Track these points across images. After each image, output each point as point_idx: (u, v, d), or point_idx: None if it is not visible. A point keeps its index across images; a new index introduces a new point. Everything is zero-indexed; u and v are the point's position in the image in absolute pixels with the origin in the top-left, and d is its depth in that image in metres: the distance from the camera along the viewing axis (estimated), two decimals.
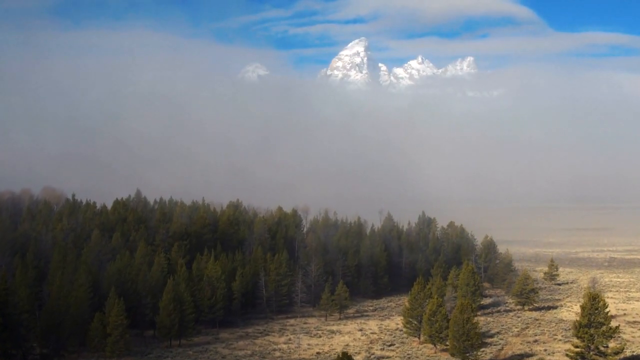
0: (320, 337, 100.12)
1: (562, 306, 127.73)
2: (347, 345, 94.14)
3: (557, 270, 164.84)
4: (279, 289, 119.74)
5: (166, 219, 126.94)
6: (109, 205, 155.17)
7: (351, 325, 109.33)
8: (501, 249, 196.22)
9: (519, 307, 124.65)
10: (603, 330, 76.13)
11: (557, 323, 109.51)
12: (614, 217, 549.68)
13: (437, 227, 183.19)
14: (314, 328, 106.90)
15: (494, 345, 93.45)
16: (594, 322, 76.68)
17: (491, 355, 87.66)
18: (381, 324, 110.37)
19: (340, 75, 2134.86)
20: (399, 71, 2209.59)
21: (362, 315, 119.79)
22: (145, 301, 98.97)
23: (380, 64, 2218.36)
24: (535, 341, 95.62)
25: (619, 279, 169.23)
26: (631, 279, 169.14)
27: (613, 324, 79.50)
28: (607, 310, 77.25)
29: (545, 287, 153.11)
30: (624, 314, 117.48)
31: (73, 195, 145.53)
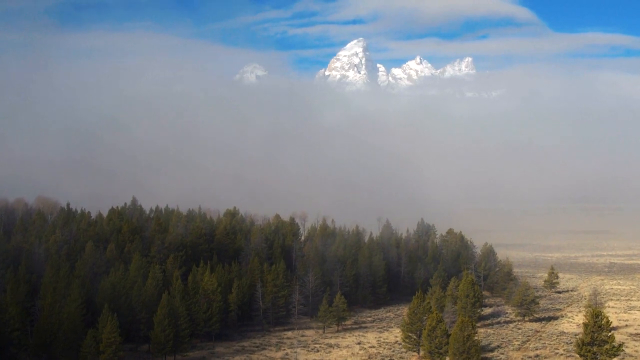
0: (318, 351, 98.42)
1: (563, 316, 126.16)
2: None
3: (557, 278, 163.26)
4: (276, 301, 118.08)
5: (162, 229, 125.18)
6: (106, 211, 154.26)
7: (349, 338, 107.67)
8: (501, 253, 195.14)
9: (519, 317, 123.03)
10: (606, 349, 74.61)
11: (558, 336, 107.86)
12: (613, 218, 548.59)
13: (436, 235, 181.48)
14: (312, 341, 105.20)
15: None
16: (597, 340, 75.23)
17: None
18: (380, 337, 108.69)
19: (338, 76, 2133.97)
20: (397, 72, 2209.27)
21: (360, 327, 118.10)
22: (140, 316, 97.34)
23: (378, 65, 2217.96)
24: (537, 356, 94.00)
25: (619, 287, 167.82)
26: (632, 287, 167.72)
27: (616, 337, 78.07)
28: (610, 327, 75.64)
29: (546, 296, 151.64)
30: (626, 325, 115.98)
31: (68, 205, 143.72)
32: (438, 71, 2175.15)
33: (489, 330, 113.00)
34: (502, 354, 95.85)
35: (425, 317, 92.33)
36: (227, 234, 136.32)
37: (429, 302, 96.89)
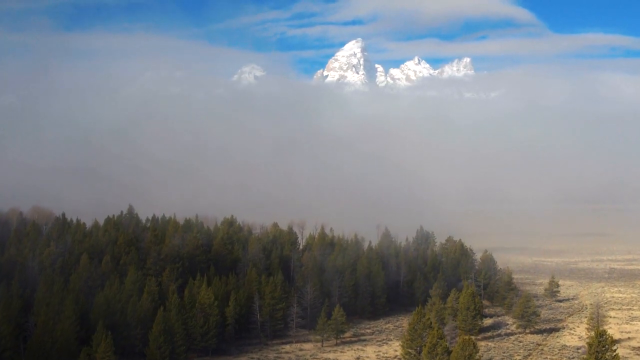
0: None
1: (564, 328, 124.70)
2: None
3: (557, 287, 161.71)
4: (274, 313, 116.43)
5: (158, 241, 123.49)
6: (104, 217, 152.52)
7: (348, 353, 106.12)
8: (500, 257, 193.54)
9: (520, 330, 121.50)
10: None
11: (560, 350, 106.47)
12: (612, 220, 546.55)
13: (435, 242, 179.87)
14: (310, 356, 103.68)
15: None
16: None
17: None
18: (379, 351, 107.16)
19: (336, 76, 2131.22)
20: (395, 72, 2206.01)
21: (359, 340, 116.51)
22: (135, 332, 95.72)
23: (377, 65, 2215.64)
24: None
25: (620, 295, 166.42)
26: (633, 295, 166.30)
27: (619, 352, 76.53)
28: (614, 349, 74.17)
29: (546, 305, 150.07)
30: (629, 338, 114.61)
31: (63, 215, 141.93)
32: (436, 72, 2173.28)
33: (490, 344, 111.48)
34: None
35: (425, 333, 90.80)
36: (225, 245, 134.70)
37: (429, 318, 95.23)
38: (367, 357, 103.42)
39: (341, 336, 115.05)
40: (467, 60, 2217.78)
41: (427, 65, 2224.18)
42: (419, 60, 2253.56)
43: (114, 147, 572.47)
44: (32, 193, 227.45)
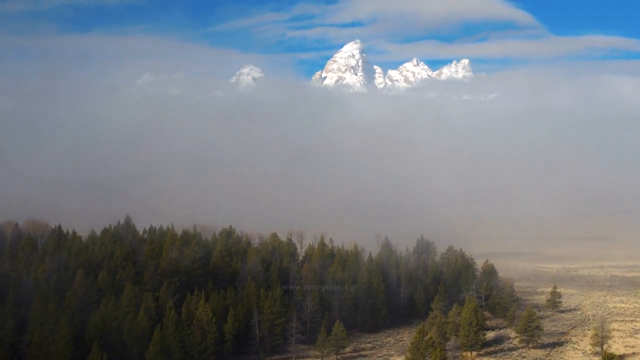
0: None
1: (567, 342, 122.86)
2: None
3: (559, 297, 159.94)
4: (273, 329, 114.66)
5: (155, 254, 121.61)
6: (102, 226, 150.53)
7: None
8: (500, 264, 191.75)
9: (523, 344, 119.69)
10: None
11: None
12: (613, 223, 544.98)
13: (436, 252, 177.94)
14: None
15: None
16: None
17: None
18: None
19: (335, 78, 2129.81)
20: (393, 73, 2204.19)
21: (360, 355, 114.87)
22: (132, 351, 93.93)
23: (375, 67, 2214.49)
24: None
25: (623, 305, 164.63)
26: (635, 304, 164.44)
27: None
28: None
29: (548, 316, 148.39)
30: (633, 353, 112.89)
31: (59, 227, 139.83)
32: (435, 73, 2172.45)
33: None
34: None
35: (427, 352, 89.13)
36: (223, 257, 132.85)
37: (431, 337, 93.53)
38: None
39: (341, 352, 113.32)
40: (465, 62, 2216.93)
41: (426, 67, 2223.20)
42: (417, 61, 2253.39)
43: (112, 154, 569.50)
44: (28, 202, 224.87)
